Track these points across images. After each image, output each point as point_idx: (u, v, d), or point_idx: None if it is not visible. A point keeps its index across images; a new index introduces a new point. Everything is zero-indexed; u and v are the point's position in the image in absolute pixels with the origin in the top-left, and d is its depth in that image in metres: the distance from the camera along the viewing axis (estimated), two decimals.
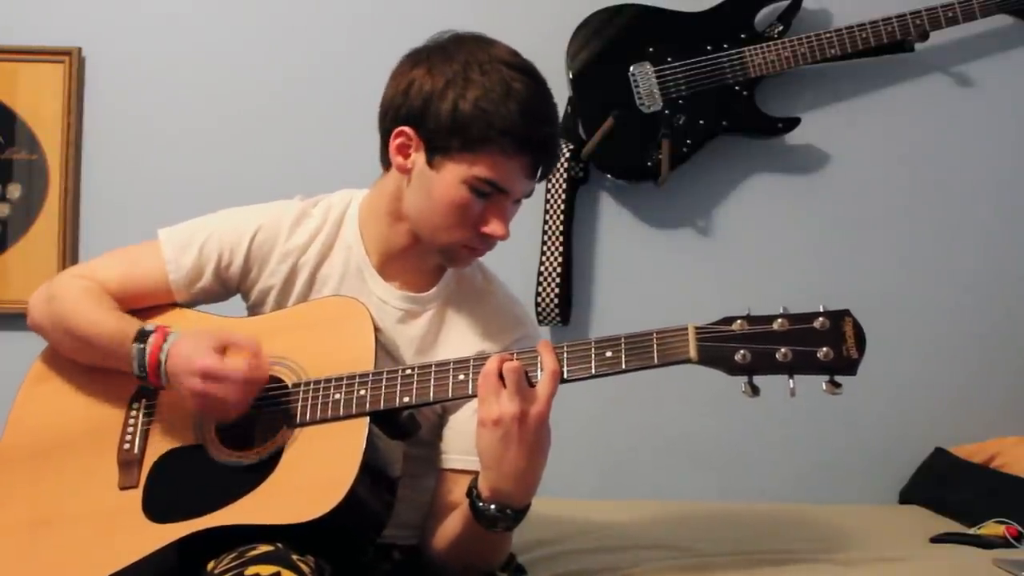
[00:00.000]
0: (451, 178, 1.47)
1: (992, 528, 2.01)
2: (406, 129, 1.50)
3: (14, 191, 2.50)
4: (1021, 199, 2.63)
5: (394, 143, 1.52)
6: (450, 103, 1.46)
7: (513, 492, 1.40)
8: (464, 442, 1.53)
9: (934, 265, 2.61)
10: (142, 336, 1.50)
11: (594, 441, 2.51)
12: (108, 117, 2.52)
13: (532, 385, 1.38)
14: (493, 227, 1.49)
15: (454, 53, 1.50)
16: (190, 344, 1.47)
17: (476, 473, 1.45)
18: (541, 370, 1.38)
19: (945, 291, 2.61)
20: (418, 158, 1.50)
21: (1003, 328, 2.61)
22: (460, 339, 1.60)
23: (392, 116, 1.52)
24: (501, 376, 1.37)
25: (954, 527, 2.13)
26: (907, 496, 2.51)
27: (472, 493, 1.43)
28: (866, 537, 2.08)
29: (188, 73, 2.54)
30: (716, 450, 2.54)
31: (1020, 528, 1.99)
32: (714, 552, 1.89)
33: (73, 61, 2.49)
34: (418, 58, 1.53)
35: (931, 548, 2.00)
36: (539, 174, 1.51)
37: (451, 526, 1.50)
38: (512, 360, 1.39)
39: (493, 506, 1.41)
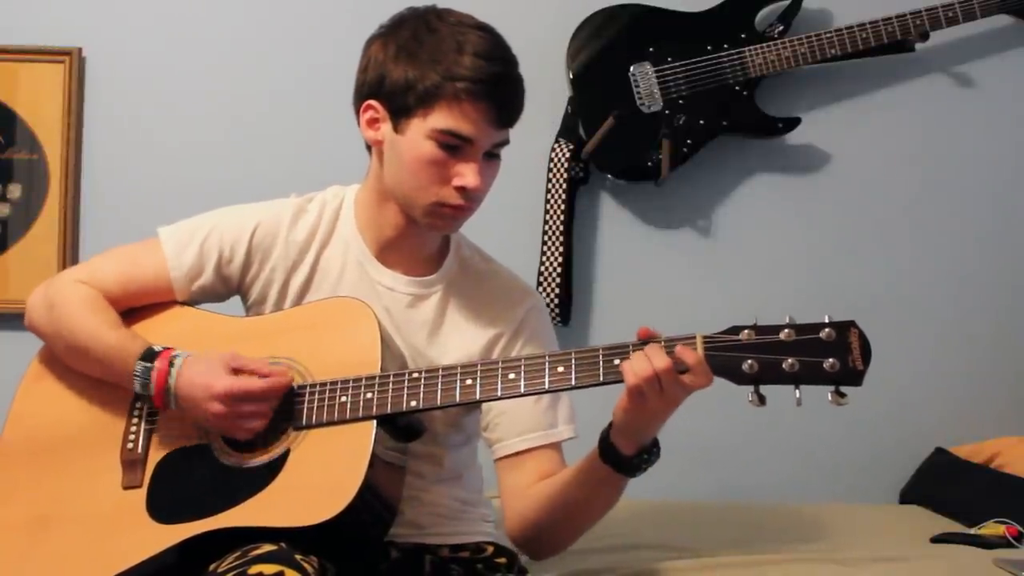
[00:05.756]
0: (415, 136, 1.49)
1: (992, 528, 2.01)
2: (371, 102, 1.53)
3: (14, 191, 2.50)
4: (1021, 199, 2.63)
5: (364, 120, 1.55)
6: (403, 64, 1.49)
7: (650, 437, 1.44)
8: (518, 424, 1.58)
9: (934, 265, 2.61)
10: (149, 356, 1.49)
11: (594, 442, 2.51)
12: (108, 117, 2.52)
13: None
14: (464, 179, 1.49)
15: (405, 22, 1.53)
16: (203, 369, 1.46)
17: (536, 448, 1.56)
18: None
19: (945, 291, 2.61)
20: (386, 128, 1.53)
21: (1003, 328, 2.61)
22: (470, 318, 1.62)
23: (358, 95, 1.56)
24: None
25: (954, 527, 2.13)
26: (907, 496, 2.51)
27: (614, 458, 1.44)
28: (866, 537, 2.08)
29: (188, 73, 2.54)
30: (716, 450, 2.54)
31: (1020, 528, 1.99)
32: (714, 552, 1.89)
33: (73, 61, 2.49)
34: (374, 36, 1.57)
35: (931, 548, 2.00)
36: (503, 119, 1.50)
37: (575, 498, 1.51)
38: (659, 359, 1.35)
39: (644, 454, 1.44)
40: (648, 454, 1.45)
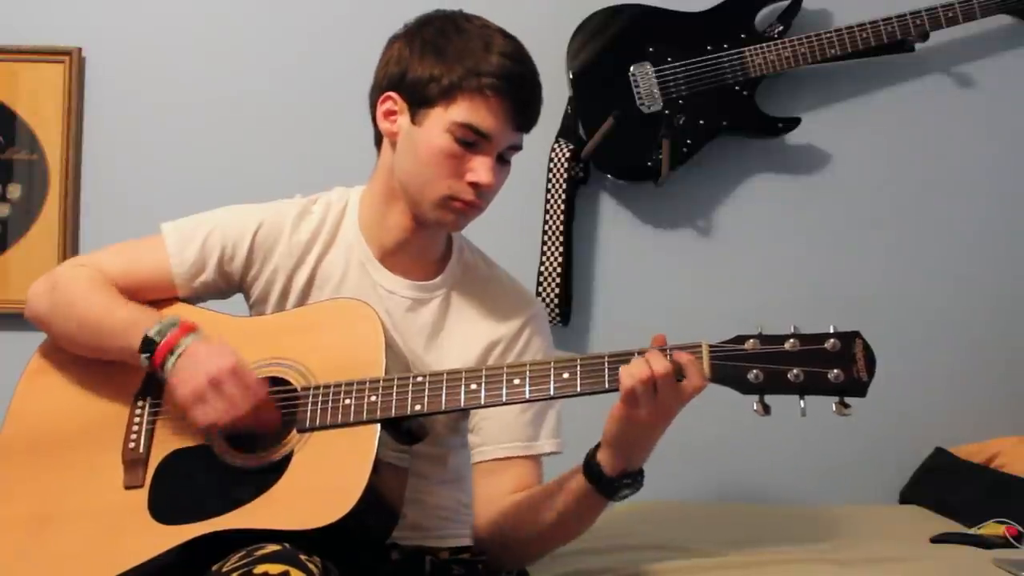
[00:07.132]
0: (433, 128, 1.50)
1: (992, 528, 2.01)
2: (390, 93, 1.54)
3: (14, 191, 2.50)
4: (1021, 199, 2.63)
5: (381, 111, 1.56)
6: (429, 59, 1.50)
7: (639, 461, 1.43)
8: (500, 431, 1.58)
9: (934, 265, 2.61)
10: (170, 323, 1.49)
11: (593, 443, 2.51)
12: (108, 117, 2.52)
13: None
14: (477, 174, 1.49)
15: (432, 21, 1.55)
16: (219, 346, 1.47)
17: (515, 458, 1.55)
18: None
19: (945, 291, 2.61)
20: (403, 121, 1.54)
21: (1003, 328, 2.61)
22: (470, 324, 1.62)
23: (377, 89, 1.57)
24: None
25: (954, 527, 2.13)
26: (907, 496, 2.51)
27: (596, 475, 1.42)
28: (866, 537, 2.08)
29: (188, 73, 2.54)
30: (715, 450, 2.53)
31: (1020, 528, 1.98)
32: (714, 552, 1.90)
33: (73, 61, 2.49)
34: (398, 34, 1.59)
35: (931, 548, 2.00)
36: (521, 121, 1.52)
37: (549, 512, 1.50)
38: (659, 363, 1.34)
39: (627, 479, 1.43)
40: (632, 479, 1.43)
